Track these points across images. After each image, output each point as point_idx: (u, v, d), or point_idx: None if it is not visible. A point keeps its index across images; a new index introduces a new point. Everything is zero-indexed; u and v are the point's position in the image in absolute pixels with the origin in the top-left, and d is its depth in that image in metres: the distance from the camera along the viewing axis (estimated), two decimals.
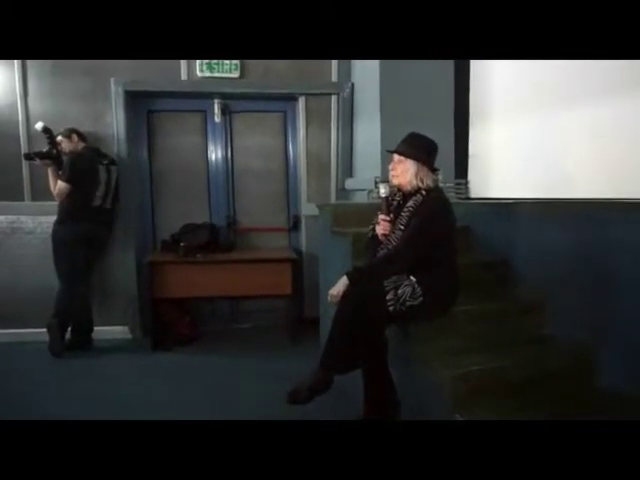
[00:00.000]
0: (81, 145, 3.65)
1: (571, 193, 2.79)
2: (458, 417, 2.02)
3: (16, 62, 3.77)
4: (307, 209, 4.20)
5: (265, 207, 4.37)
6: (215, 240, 3.98)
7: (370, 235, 2.46)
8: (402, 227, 2.30)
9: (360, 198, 3.91)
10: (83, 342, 3.66)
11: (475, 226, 3.09)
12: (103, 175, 3.65)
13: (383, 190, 2.37)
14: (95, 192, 3.60)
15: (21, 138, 3.80)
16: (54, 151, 3.58)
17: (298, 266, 3.97)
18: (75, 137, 3.64)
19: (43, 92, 3.82)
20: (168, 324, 3.86)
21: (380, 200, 2.40)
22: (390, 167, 2.36)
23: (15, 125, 3.81)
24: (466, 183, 3.79)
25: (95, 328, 3.77)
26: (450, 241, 2.33)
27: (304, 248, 4.26)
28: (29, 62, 3.79)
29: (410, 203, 2.31)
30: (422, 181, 2.27)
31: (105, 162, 3.69)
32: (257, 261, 3.88)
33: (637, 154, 2.53)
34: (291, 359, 3.37)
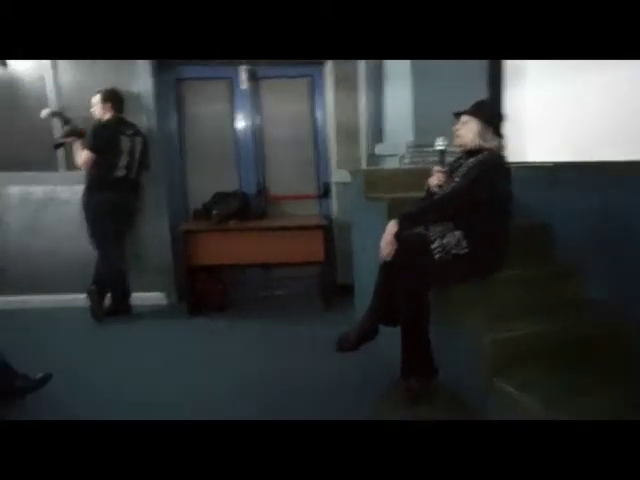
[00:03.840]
0: (108, 114, 3.63)
1: (612, 156, 2.71)
2: (496, 382, 2.04)
3: None
4: (337, 176, 4.17)
5: (295, 174, 4.35)
6: (246, 208, 3.99)
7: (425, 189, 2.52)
8: (457, 179, 2.34)
9: (391, 163, 3.87)
10: (122, 307, 3.76)
11: (514, 190, 3.04)
12: (126, 145, 3.62)
13: (441, 144, 2.46)
14: (118, 162, 3.59)
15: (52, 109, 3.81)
16: (78, 128, 3.60)
17: (330, 233, 3.98)
18: (108, 105, 3.61)
19: (71, 62, 3.81)
20: (202, 291, 3.93)
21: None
22: (455, 128, 2.41)
23: (44, 96, 3.83)
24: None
25: (133, 294, 3.85)
26: (501, 204, 2.33)
27: (335, 215, 4.25)
28: None
29: (471, 159, 2.35)
30: (485, 140, 2.34)
31: (129, 132, 3.66)
32: (289, 228, 3.88)
33: None
34: (324, 325, 3.41)
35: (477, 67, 3.59)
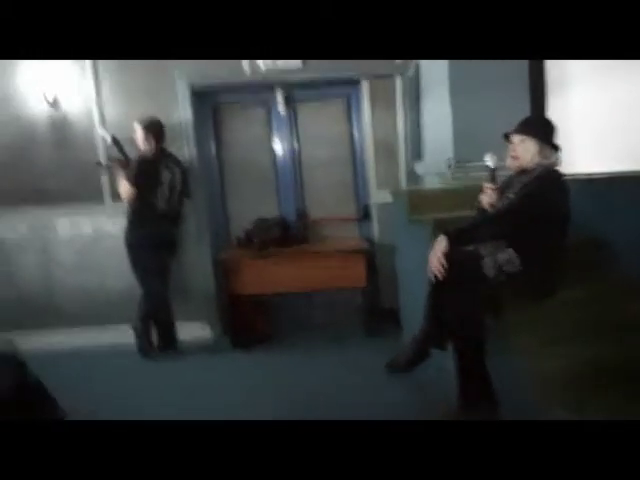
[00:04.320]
0: (151, 147, 3.62)
1: None
2: (563, 413, 1.90)
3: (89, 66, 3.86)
4: (377, 196, 4.10)
5: (334, 197, 4.30)
6: (287, 234, 3.97)
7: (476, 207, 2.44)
8: (511, 195, 2.27)
9: (431, 182, 3.78)
10: (168, 342, 3.76)
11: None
12: (167, 177, 3.62)
13: (490, 161, 2.37)
14: (159, 196, 3.60)
15: (97, 141, 3.90)
16: (124, 157, 3.63)
17: (371, 257, 3.90)
18: (150, 136, 3.60)
19: (114, 93, 3.90)
20: (246, 321, 3.91)
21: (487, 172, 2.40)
22: (510, 150, 2.33)
23: (92, 130, 3.92)
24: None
25: (178, 325, 3.86)
26: (557, 221, 2.23)
27: (376, 237, 4.17)
28: (101, 65, 3.87)
29: (524, 176, 2.28)
30: (546, 158, 2.26)
31: (170, 164, 3.66)
32: (329, 254, 3.83)
33: None
34: (369, 351, 3.32)
35: (517, 77, 3.48)
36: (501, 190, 2.35)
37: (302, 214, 4.24)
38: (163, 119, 3.75)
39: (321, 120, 4.27)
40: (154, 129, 3.63)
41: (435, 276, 2.13)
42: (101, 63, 3.86)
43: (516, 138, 2.30)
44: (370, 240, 4.13)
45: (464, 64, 3.41)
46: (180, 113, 3.94)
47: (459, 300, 2.08)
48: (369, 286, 3.81)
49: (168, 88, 3.90)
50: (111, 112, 3.92)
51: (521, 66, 3.47)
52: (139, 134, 3.61)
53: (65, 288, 4.05)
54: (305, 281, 3.80)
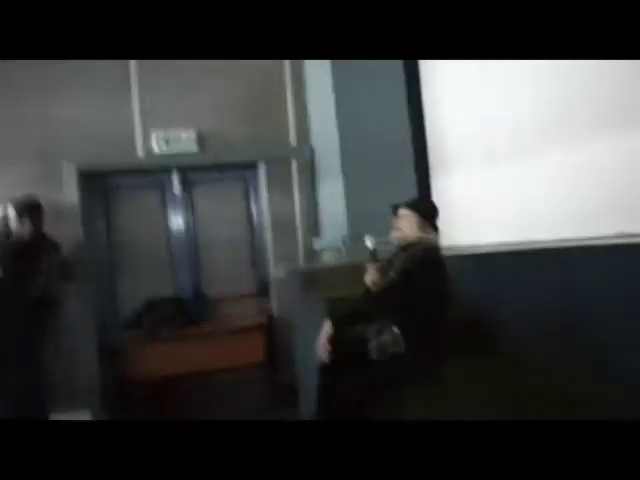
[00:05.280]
0: (29, 228, 3.37)
1: (536, 235, 2.76)
2: None
3: None
4: (276, 272, 4.10)
5: (233, 274, 4.25)
6: (182, 313, 3.82)
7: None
8: (392, 274, 2.33)
9: (329, 257, 3.85)
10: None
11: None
12: (46, 264, 3.37)
13: (369, 242, 2.47)
14: (34, 282, 3.32)
15: None
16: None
17: (270, 332, 3.83)
18: (26, 219, 3.35)
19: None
20: (137, 408, 3.60)
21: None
22: (394, 222, 2.46)
23: None
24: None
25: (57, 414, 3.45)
26: (437, 298, 2.31)
27: (275, 312, 4.13)
28: None
29: (405, 254, 2.36)
30: (424, 233, 2.39)
31: (48, 249, 3.42)
32: (227, 331, 3.75)
33: (606, 192, 2.54)
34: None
35: (404, 159, 3.73)
36: (384, 268, 2.43)
37: (199, 293, 4.12)
38: (46, 202, 3.53)
39: (218, 201, 4.30)
40: (29, 210, 3.39)
41: (323, 359, 2.18)
42: None
43: (402, 211, 2.44)
44: (270, 316, 4.07)
45: (354, 146, 3.64)
46: (66, 197, 3.78)
47: (345, 383, 2.12)
48: (268, 362, 3.72)
49: (54, 173, 3.76)
50: None
51: (405, 148, 3.73)
52: (12, 215, 3.37)
53: None
54: (200, 362, 3.65)
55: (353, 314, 2.27)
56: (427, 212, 2.46)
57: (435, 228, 2.45)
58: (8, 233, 3.39)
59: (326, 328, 2.19)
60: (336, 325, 2.19)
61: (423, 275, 2.26)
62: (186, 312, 3.87)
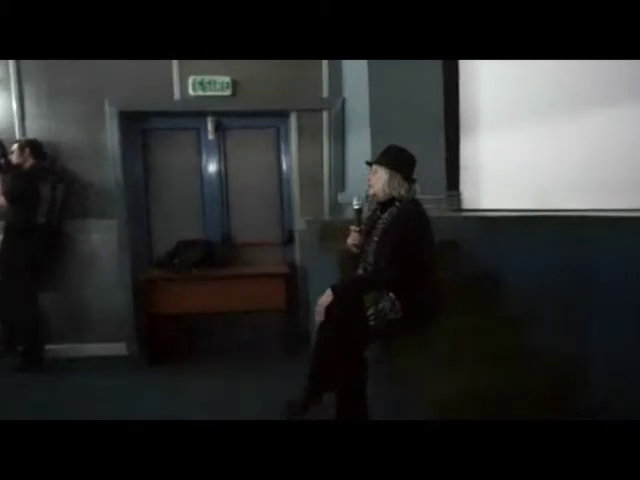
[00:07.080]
0: (30, 161, 3.66)
1: (563, 204, 2.77)
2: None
3: (13, 84, 3.84)
4: (301, 223, 4.23)
5: (260, 222, 4.41)
6: (210, 256, 4.02)
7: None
8: (376, 239, 2.34)
9: (352, 212, 3.92)
10: (33, 361, 3.66)
11: (463, 240, 3.09)
12: (47, 193, 3.64)
13: (355, 202, 2.46)
14: (37, 210, 3.60)
15: None
16: (2, 160, 3.65)
17: (292, 281, 4.00)
18: (27, 151, 3.65)
19: (40, 114, 3.90)
20: (164, 340, 3.90)
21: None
22: (367, 177, 2.43)
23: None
24: (458, 195, 3.80)
25: (93, 345, 3.80)
26: (428, 255, 2.34)
27: (298, 262, 4.29)
28: (26, 84, 3.87)
29: (385, 215, 2.35)
30: (395, 189, 2.32)
31: (51, 179, 3.69)
32: (250, 276, 3.91)
33: (628, 163, 2.52)
34: (286, 372, 3.37)
35: (435, 116, 3.71)
36: (367, 230, 2.41)
37: (227, 238, 4.30)
38: (90, 140, 3.84)
39: (250, 148, 4.39)
40: (30, 145, 3.69)
41: (320, 324, 2.23)
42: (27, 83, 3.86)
43: (373, 167, 2.39)
44: (293, 265, 4.23)
45: (385, 101, 3.63)
46: (107, 135, 3.98)
47: (342, 348, 2.16)
48: (289, 310, 3.89)
49: (97, 111, 3.95)
50: (34, 130, 3.89)
51: (438, 107, 3.72)
52: (13, 150, 3.66)
53: None
54: (226, 303, 3.86)
55: (353, 287, 2.28)
56: (395, 164, 2.33)
57: (408, 180, 2.34)
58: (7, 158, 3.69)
59: (326, 297, 2.20)
60: (336, 296, 2.19)
61: (402, 234, 2.25)
62: (213, 255, 4.06)
